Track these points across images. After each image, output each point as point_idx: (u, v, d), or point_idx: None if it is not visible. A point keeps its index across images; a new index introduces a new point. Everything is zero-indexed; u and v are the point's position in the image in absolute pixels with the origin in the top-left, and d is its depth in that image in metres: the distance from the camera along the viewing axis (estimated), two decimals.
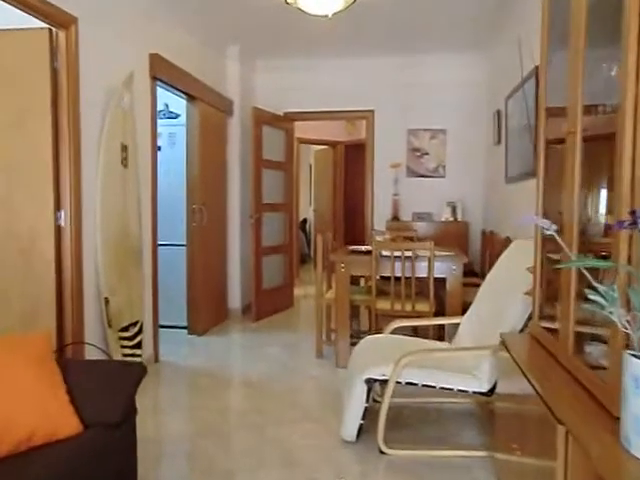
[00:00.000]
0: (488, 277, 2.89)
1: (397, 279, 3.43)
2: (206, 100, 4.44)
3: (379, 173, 5.61)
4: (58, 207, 2.65)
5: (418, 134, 5.49)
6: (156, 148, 3.65)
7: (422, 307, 3.47)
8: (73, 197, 2.67)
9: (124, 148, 3.11)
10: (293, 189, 5.75)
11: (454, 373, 2.33)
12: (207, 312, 4.60)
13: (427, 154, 5.51)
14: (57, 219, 2.65)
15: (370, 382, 2.40)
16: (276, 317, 5.24)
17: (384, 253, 3.53)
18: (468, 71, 5.35)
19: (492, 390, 2.28)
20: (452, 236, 5.20)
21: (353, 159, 8.08)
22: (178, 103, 4.42)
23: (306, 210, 10.21)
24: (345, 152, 8.20)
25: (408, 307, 3.45)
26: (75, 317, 2.73)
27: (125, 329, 3.09)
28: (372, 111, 5.55)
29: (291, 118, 5.59)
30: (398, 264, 3.42)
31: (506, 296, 2.45)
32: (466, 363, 2.42)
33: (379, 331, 3.46)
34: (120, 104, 3.04)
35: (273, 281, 5.37)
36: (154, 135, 3.62)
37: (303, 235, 9.92)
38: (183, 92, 4.09)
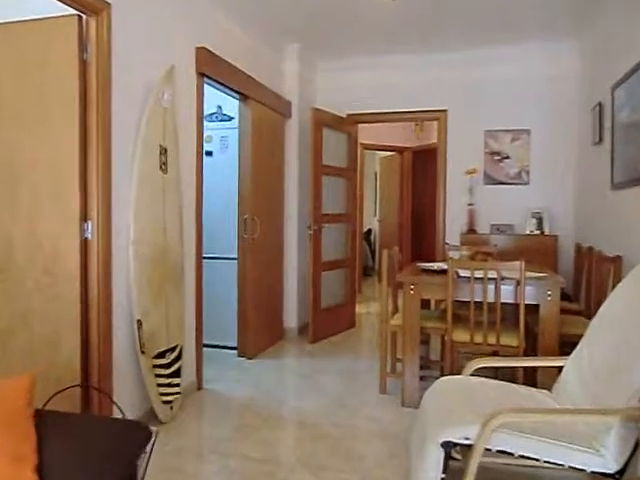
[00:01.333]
0: (603, 310, 2.24)
1: (477, 305, 2.85)
2: (261, 100, 4.07)
3: (452, 180, 5.00)
4: (85, 218, 2.33)
5: (497, 136, 4.84)
6: (202, 152, 3.30)
7: (509, 340, 2.86)
8: (102, 206, 2.34)
9: (164, 151, 2.76)
10: (357, 198, 5.26)
11: (566, 444, 1.72)
12: (259, 332, 4.20)
13: (507, 158, 4.84)
14: (84, 231, 2.33)
15: (448, 446, 1.85)
16: (335, 339, 4.76)
17: (462, 273, 2.95)
18: (555, 62, 4.64)
19: (622, 471, 1.66)
20: (538, 252, 4.49)
21: (422, 166, 7.48)
22: (232, 105, 4.08)
23: (370, 221, 9.69)
24: (413, 159, 7.62)
25: (491, 339, 2.85)
26: (102, 342, 2.39)
27: (161, 355, 2.72)
28: (445, 111, 4.97)
29: (354, 120, 5.12)
30: (478, 286, 2.84)
31: (635, 343, 1.82)
32: (582, 429, 1.81)
33: (456, 370, 2.88)
34: (159, 102, 2.70)
35: (333, 299, 4.89)
36: (200, 137, 3.27)
37: (367, 247, 9.40)
38: (235, 91, 3.74)
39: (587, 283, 3.72)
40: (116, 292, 2.49)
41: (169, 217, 2.83)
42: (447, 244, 4.25)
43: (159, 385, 2.71)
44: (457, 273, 2.97)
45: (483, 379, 2.39)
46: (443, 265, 3.30)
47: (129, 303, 2.58)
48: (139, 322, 2.58)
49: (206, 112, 4.34)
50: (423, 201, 7.47)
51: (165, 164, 2.78)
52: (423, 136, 7.27)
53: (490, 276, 2.81)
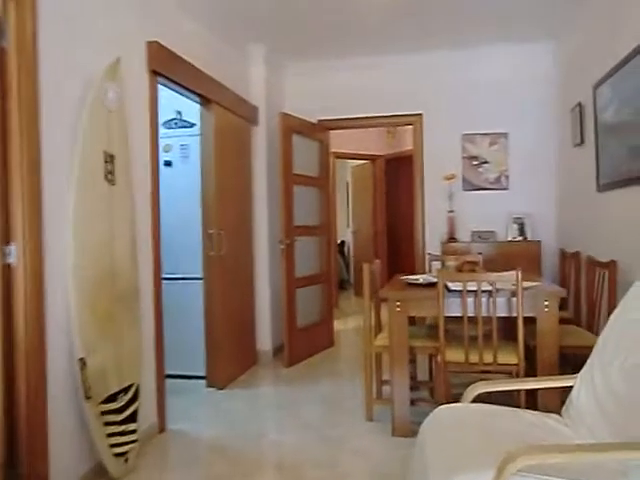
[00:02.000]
0: (614, 326, 1.97)
1: (469, 319, 2.56)
2: (224, 104, 3.74)
3: (430, 187, 4.76)
4: (7, 240, 1.93)
5: (475, 140, 4.63)
6: (157, 160, 2.94)
7: (507, 358, 2.57)
8: (29, 225, 1.95)
9: (109, 159, 2.39)
10: (330, 208, 4.96)
11: None
12: (230, 359, 3.81)
13: (486, 163, 4.63)
14: (5, 256, 1.93)
15: None
16: (314, 360, 4.40)
17: (453, 287, 2.67)
18: (533, 63, 4.49)
19: None
20: (521, 258, 4.26)
21: (395, 174, 7.26)
22: (194, 110, 3.72)
23: (344, 232, 9.41)
24: (386, 167, 7.39)
25: (488, 358, 2.56)
26: (33, 395, 1.98)
27: (111, 399, 2.32)
28: (420, 115, 4.74)
29: (326, 127, 4.84)
30: (470, 300, 2.56)
31: None
32: (611, 466, 1.53)
33: (448, 393, 2.58)
34: (103, 102, 2.34)
35: (310, 317, 4.55)
36: (155, 144, 2.91)
37: (341, 259, 9.10)
38: (195, 94, 3.40)
39: (576, 289, 3.51)
40: (51, 327, 2.09)
41: (118, 234, 2.45)
42: (429, 254, 3.98)
43: (110, 435, 2.30)
44: (447, 286, 2.68)
45: (485, 406, 2.09)
46: (430, 278, 3.01)
47: (69, 339, 2.18)
48: (82, 361, 2.18)
49: (164, 118, 4.00)
50: (398, 210, 7.24)
51: (112, 173, 2.41)
52: (395, 143, 7.06)
53: (483, 288, 2.54)
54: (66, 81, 2.20)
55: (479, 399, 2.04)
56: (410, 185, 6.92)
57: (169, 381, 3.73)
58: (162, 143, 3.81)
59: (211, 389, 3.65)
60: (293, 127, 4.31)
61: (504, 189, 4.61)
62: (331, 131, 4.96)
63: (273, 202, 4.53)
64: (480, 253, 3.83)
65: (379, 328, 3.23)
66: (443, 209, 4.69)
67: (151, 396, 2.84)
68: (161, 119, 4.03)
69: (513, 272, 2.47)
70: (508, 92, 4.55)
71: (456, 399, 2.98)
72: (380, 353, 3.09)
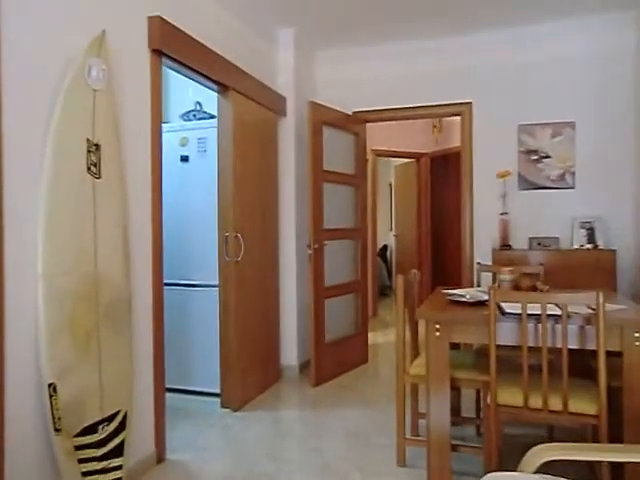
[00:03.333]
0: None
1: (529, 350, 2.03)
2: (246, 93, 3.34)
3: (480, 186, 4.19)
4: None
5: (534, 131, 4.03)
6: (159, 152, 2.56)
7: (582, 405, 2.00)
8: None
9: (94, 148, 2.03)
10: (367, 209, 4.48)
11: None
12: (248, 375, 3.41)
13: (547, 157, 4.01)
14: None
15: None
16: (344, 380, 3.93)
17: (508, 309, 2.14)
18: (609, 38, 3.82)
19: None
20: (591, 271, 3.65)
21: (442, 173, 6.68)
22: (216, 102, 3.33)
23: (386, 235, 8.89)
24: (431, 165, 6.82)
25: (555, 403, 2.01)
26: None
27: (90, 430, 1.95)
28: (469, 104, 4.18)
29: (362, 119, 4.36)
30: (529, 324, 2.02)
31: None
32: None
33: (500, 443, 2.07)
34: (85, 80, 1.98)
35: (341, 330, 4.09)
36: (157, 133, 2.53)
37: (383, 264, 8.57)
38: (210, 79, 3.01)
39: None
40: (14, 347, 1.74)
41: (104, 237, 2.08)
42: (479, 264, 3.43)
43: (86, 474, 1.93)
44: (500, 308, 2.15)
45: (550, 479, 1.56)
46: (479, 294, 2.48)
47: (36, 361, 1.82)
48: (52, 388, 1.82)
49: (183, 109, 3.66)
50: (445, 213, 6.65)
51: (96, 165, 2.04)
52: (442, 139, 6.47)
53: (549, 312, 2.00)
54: (40, 56, 1.85)
55: (543, 467, 1.52)
56: (458, 185, 6.36)
57: (181, 397, 3.42)
58: (179, 136, 3.48)
59: (225, 410, 3.26)
60: (324, 118, 3.87)
61: (569, 188, 3.97)
62: (369, 124, 4.48)
63: (302, 203, 4.10)
64: (541, 264, 3.24)
65: (416, 351, 2.72)
66: (495, 211, 4.11)
67: (148, 421, 2.46)
68: (179, 110, 3.73)
69: (591, 293, 1.92)
70: (575, 73, 3.92)
71: (510, 446, 2.45)
72: (417, 384, 2.59)
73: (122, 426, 2.13)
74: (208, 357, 3.40)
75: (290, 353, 4.01)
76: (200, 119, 3.51)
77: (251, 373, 3.45)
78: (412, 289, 2.71)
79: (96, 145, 2.04)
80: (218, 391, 3.34)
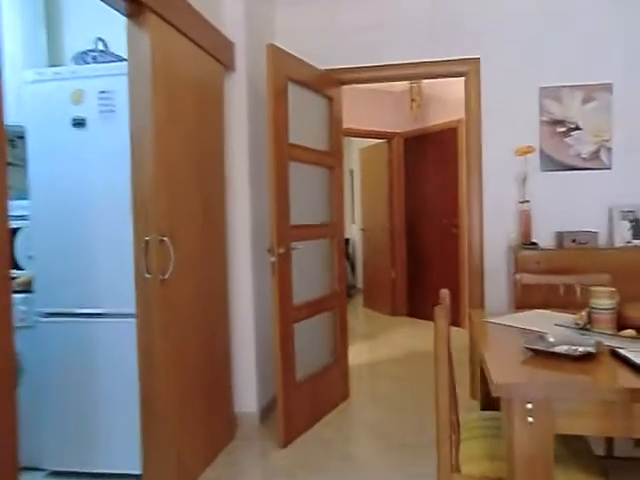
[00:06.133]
0: None
1: None
2: (174, 20, 2.20)
3: (489, 168, 3.24)
4: None
5: (560, 95, 3.12)
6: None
7: None
8: None
9: None
10: (343, 198, 3.42)
11: None
12: (186, 444, 2.29)
13: (577, 129, 3.12)
14: None
15: None
16: (322, 429, 2.89)
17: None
18: None
19: None
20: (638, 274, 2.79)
21: (418, 156, 5.73)
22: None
23: (348, 228, 7.89)
24: (405, 147, 5.86)
25: None
26: None
27: None
28: (476, 60, 3.21)
29: (336, 80, 3.29)
30: None
31: None
32: None
33: None
34: None
35: (315, 361, 3.04)
36: None
37: (347, 261, 7.59)
38: None
39: None
40: None
41: None
42: (517, 276, 2.43)
43: None
44: (629, 361, 1.18)
45: None
46: (570, 335, 1.49)
47: None
48: None
49: (75, 50, 2.47)
50: (422, 203, 5.71)
51: None
52: (421, 116, 5.51)
53: None
54: None
55: None
56: (441, 170, 5.43)
57: None
58: (70, 88, 2.28)
59: None
60: (290, 72, 2.77)
61: (605, 168, 3.10)
62: (345, 87, 3.42)
63: (261, 190, 3.00)
64: (607, 276, 2.29)
65: (456, 427, 1.70)
66: (510, 199, 3.19)
67: None
68: (71, 50, 2.52)
69: None
70: (612, 23, 3.03)
71: None
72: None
73: None
74: (122, 423, 2.26)
75: (247, 396, 2.92)
76: (103, 63, 2.32)
77: (191, 440, 2.34)
78: (446, 328, 1.68)
79: None
80: (139, 472, 2.21)
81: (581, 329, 1.62)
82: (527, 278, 2.33)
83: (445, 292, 1.80)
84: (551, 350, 1.38)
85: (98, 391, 2.31)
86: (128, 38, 2.08)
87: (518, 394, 1.21)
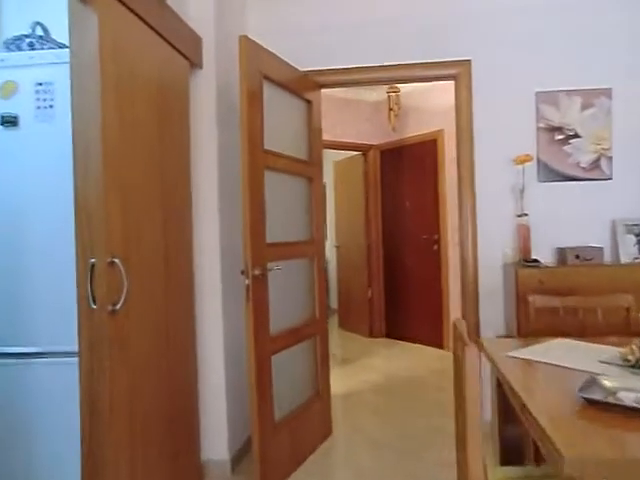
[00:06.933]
0: None
1: None
2: (130, 3, 1.84)
3: (483, 175, 2.98)
4: None
5: (558, 100, 2.90)
6: None
7: None
8: None
9: None
10: (324, 212, 3.10)
11: None
12: None
13: (576, 137, 2.90)
14: None
15: None
16: (304, 477, 2.51)
17: None
18: None
19: None
20: None
21: (396, 169, 5.48)
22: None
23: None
24: (382, 160, 5.60)
25: None
26: None
27: None
28: (467, 63, 2.97)
29: (314, 83, 2.99)
30: None
31: None
32: None
33: None
34: None
35: (296, 396, 2.67)
36: None
37: None
38: None
39: None
40: None
41: None
42: (530, 298, 2.13)
43: None
44: None
45: None
46: (630, 378, 1.19)
47: None
48: None
49: (8, 35, 2.08)
50: (400, 219, 5.44)
51: None
52: (399, 127, 5.27)
53: None
54: None
55: None
56: (420, 184, 5.17)
57: None
58: None
59: None
60: (266, 69, 2.44)
61: (605, 179, 2.88)
62: (324, 90, 3.11)
63: (232, 203, 2.65)
64: (628, 296, 2.03)
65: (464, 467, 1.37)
66: (505, 212, 2.93)
67: None
68: (2, 35, 2.13)
69: None
70: (612, 23, 2.85)
71: None
72: None
73: None
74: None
75: (217, 442, 2.52)
76: (42, 49, 1.94)
77: None
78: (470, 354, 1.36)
79: None
80: None
81: (633, 367, 1.32)
82: (540, 300, 2.04)
83: (461, 321, 1.48)
84: (619, 403, 1.07)
85: (33, 448, 1.87)
86: (70, 18, 1.71)
87: (597, 472, 0.88)
